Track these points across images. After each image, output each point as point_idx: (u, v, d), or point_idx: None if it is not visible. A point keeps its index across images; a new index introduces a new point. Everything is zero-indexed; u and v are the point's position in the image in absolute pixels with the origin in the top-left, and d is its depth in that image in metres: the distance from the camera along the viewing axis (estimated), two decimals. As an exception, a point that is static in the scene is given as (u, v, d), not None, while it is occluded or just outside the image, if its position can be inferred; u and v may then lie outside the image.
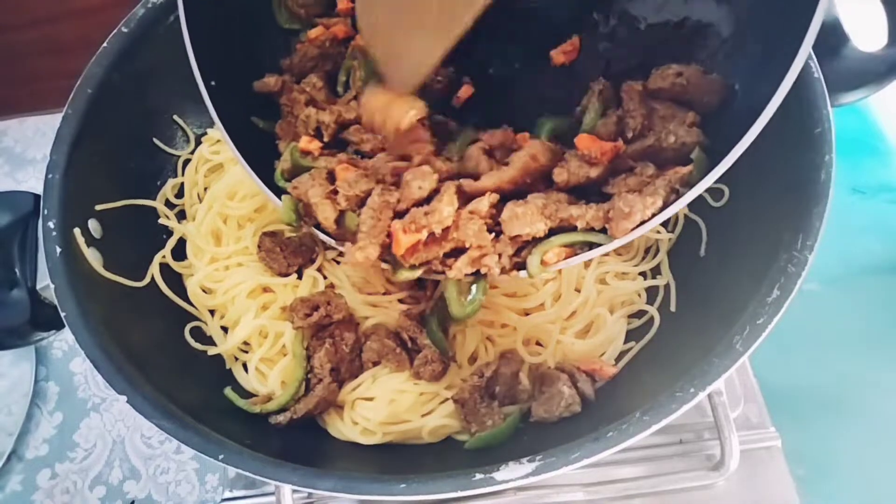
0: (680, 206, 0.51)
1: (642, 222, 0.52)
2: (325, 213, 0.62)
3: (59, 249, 0.67)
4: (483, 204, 0.57)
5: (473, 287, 0.60)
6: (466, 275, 0.57)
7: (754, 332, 0.57)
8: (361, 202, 0.61)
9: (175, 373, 0.71)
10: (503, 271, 0.57)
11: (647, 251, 0.84)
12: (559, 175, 0.59)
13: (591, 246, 0.56)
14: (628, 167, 0.58)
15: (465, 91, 0.74)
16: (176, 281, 0.82)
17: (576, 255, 0.56)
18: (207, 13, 0.65)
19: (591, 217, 0.55)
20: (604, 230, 0.55)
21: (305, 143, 0.69)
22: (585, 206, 0.56)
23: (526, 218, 0.55)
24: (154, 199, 0.85)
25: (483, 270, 0.57)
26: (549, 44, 0.70)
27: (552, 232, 0.57)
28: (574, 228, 0.56)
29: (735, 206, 0.76)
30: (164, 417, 0.60)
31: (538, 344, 0.78)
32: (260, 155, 0.69)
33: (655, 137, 0.57)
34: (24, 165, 1.20)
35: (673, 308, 0.77)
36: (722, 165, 0.48)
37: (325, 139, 0.71)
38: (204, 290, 0.81)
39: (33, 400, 0.95)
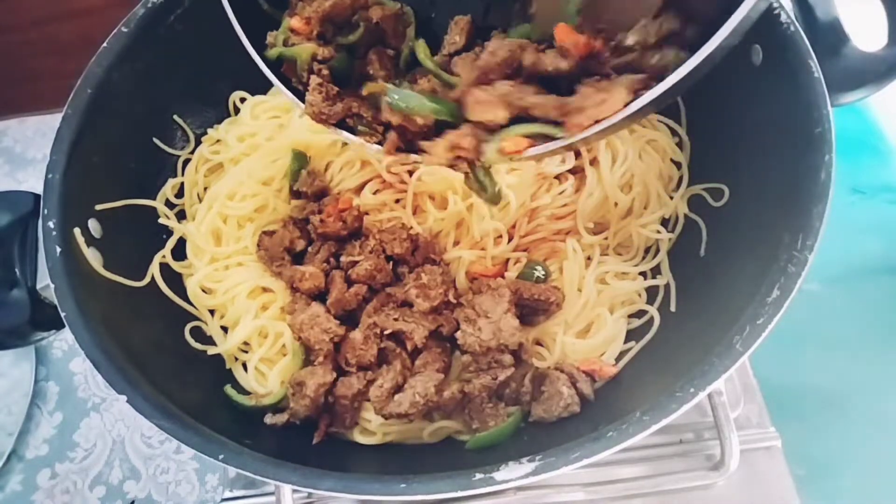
0: (639, 104, 0.47)
1: (597, 121, 0.49)
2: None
3: (59, 249, 0.67)
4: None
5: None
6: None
7: (754, 332, 0.57)
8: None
9: (175, 373, 0.71)
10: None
11: (647, 251, 0.84)
12: (527, 58, 0.56)
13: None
14: (604, 73, 0.54)
15: None
16: (176, 281, 0.82)
17: (533, 147, 0.54)
18: None
19: (551, 104, 0.52)
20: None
21: (297, 22, 0.65)
22: (545, 96, 0.53)
23: (488, 105, 0.53)
24: (154, 199, 0.84)
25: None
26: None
27: (516, 121, 0.54)
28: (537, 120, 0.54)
29: (735, 206, 0.76)
30: (163, 417, 0.59)
31: (538, 344, 0.78)
32: (262, 38, 0.65)
33: (639, 53, 0.52)
34: (24, 165, 1.20)
35: (673, 308, 0.77)
36: (687, 65, 0.43)
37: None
38: (204, 290, 0.81)
39: (33, 400, 0.95)
